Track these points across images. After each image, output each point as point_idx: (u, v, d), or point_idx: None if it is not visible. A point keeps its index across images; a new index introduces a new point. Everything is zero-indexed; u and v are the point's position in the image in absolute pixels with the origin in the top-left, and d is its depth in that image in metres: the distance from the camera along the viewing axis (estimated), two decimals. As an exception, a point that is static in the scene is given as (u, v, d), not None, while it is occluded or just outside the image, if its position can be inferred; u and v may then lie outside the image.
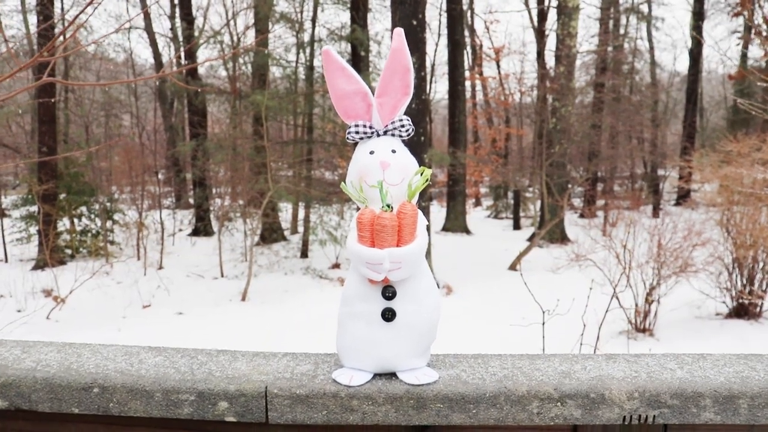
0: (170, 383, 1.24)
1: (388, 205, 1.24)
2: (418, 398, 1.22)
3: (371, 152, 1.28)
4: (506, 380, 1.26)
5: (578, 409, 1.22)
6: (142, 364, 1.32)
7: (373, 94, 1.32)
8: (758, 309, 8.17)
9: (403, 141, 1.35)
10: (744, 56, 20.20)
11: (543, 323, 4.41)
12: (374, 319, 1.26)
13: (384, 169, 1.25)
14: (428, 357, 1.33)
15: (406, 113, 1.35)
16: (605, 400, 1.22)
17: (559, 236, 15.44)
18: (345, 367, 1.30)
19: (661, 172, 21.78)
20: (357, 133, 1.31)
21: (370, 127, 1.31)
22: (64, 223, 13.67)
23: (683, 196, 18.12)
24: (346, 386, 1.23)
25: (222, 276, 12.03)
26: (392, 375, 1.29)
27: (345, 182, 1.30)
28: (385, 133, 1.31)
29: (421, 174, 1.27)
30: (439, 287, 9.96)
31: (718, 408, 1.22)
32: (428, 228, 1.32)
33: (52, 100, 11.33)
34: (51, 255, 11.48)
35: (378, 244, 1.22)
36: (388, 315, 1.24)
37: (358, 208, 1.29)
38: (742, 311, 8.23)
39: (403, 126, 1.31)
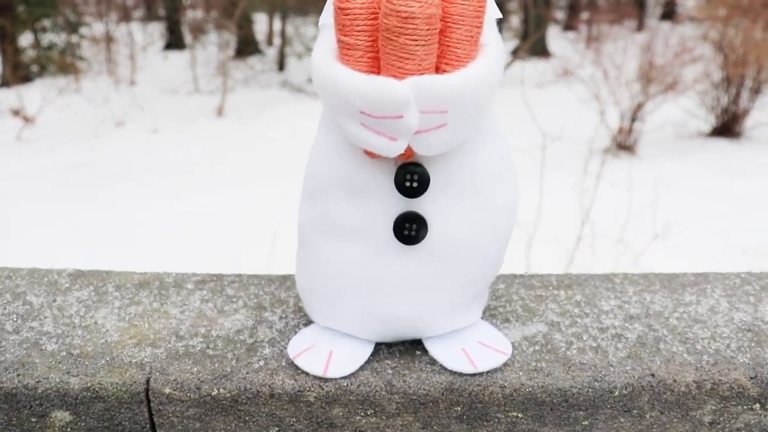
0: (-58, 373, 0.54)
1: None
2: (471, 401, 0.53)
3: None
4: (648, 354, 0.57)
5: (793, 414, 0.56)
6: None
7: None
8: (740, 127, 7.69)
9: None
10: None
11: (543, 148, 3.75)
12: (379, 237, 0.51)
13: None
14: (485, 301, 0.61)
15: None
16: None
17: (540, 50, 14.30)
18: (315, 328, 0.59)
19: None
20: None
21: None
22: (27, 38, 12.23)
23: (671, 12, 16.62)
24: (318, 379, 0.54)
25: (197, 91, 11.07)
26: (414, 347, 0.59)
27: None
28: None
29: None
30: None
31: None
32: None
33: None
34: (14, 72, 10.27)
35: (388, 67, 0.45)
36: (411, 229, 0.50)
37: None
38: (724, 130, 7.77)
39: None
